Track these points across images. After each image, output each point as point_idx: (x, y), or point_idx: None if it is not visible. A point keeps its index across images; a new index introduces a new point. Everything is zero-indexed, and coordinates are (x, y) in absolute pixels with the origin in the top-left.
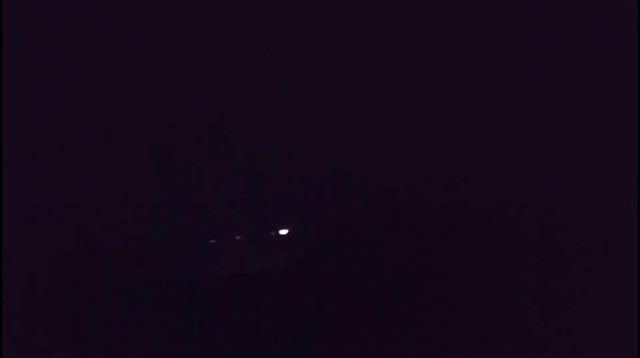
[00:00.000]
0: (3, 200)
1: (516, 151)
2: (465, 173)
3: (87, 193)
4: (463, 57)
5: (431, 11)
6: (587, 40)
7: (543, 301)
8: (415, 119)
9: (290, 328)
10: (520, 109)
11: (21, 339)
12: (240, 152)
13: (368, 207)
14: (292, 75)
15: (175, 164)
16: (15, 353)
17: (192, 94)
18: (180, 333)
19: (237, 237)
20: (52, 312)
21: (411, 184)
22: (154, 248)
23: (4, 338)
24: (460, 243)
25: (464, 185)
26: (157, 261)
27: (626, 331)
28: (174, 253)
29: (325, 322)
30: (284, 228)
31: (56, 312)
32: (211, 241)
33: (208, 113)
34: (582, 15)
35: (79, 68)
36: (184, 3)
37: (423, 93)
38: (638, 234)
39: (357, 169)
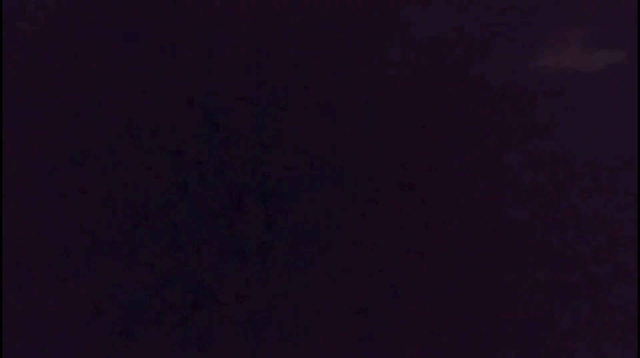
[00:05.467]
0: (3, 200)
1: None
2: (463, 170)
3: (87, 193)
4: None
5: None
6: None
7: (541, 300)
8: (415, 115)
9: (284, 327)
10: (519, 107)
11: (21, 339)
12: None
13: (360, 203)
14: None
15: (173, 162)
16: (15, 353)
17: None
18: (177, 333)
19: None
20: (52, 312)
21: (408, 182)
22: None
23: (4, 338)
24: (458, 241)
25: (461, 183)
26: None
27: (626, 331)
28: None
29: (318, 322)
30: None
31: (56, 312)
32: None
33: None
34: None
35: (79, 69)
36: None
37: (423, 91)
38: (638, 234)
39: (352, 165)
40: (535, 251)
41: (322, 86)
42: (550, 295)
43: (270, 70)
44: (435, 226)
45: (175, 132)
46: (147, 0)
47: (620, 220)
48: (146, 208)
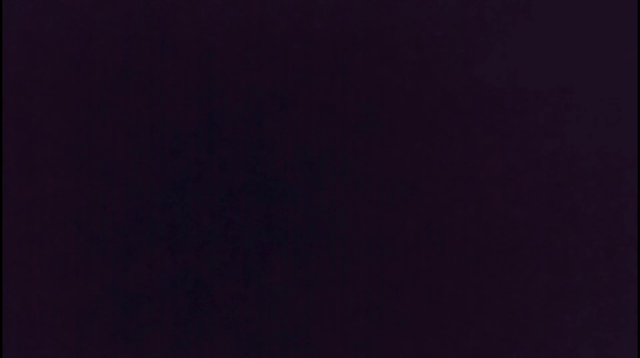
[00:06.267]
0: (3, 200)
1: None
2: (463, 170)
3: (87, 193)
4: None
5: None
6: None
7: (540, 301)
8: (415, 116)
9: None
10: (519, 107)
11: (21, 339)
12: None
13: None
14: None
15: (174, 162)
16: (16, 353)
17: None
18: (178, 333)
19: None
20: (51, 312)
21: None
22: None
23: (4, 338)
24: (457, 242)
25: (461, 183)
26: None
27: (626, 331)
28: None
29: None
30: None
31: (56, 312)
32: None
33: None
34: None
35: (79, 67)
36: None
37: (423, 91)
38: (638, 234)
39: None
40: (535, 252)
41: (322, 86)
42: (550, 296)
43: (270, 70)
44: (435, 226)
45: (175, 132)
46: (147, 0)
47: (620, 220)
48: (146, 208)
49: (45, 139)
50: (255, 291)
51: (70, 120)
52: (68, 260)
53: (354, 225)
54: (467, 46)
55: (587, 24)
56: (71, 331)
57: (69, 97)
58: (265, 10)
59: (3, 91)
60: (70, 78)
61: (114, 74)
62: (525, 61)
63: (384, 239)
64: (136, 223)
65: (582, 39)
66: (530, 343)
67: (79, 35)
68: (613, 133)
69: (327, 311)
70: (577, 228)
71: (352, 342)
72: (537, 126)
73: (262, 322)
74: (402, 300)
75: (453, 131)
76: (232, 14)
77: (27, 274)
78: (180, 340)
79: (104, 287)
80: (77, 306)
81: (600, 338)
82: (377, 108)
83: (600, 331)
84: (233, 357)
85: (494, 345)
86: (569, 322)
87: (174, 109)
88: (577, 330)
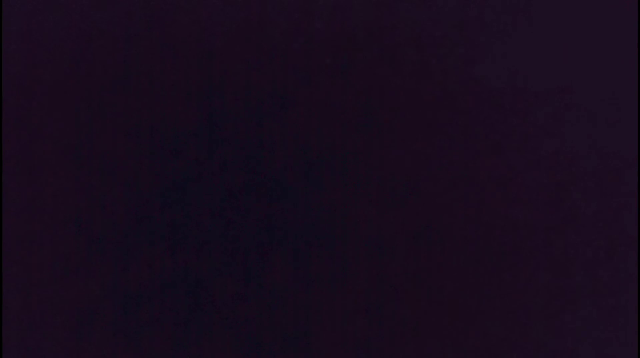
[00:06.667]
0: (3, 200)
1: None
2: (463, 170)
3: (87, 193)
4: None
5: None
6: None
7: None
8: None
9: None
10: (519, 107)
11: (21, 339)
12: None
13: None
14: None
15: (174, 163)
16: (16, 353)
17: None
18: (178, 332)
19: None
20: (51, 312)
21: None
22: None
23: (4, 338)
24: (458, 242)
25: (461, 183)
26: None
27: (626, 331)
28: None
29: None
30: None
31: (55, 312)
32: None
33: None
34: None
35: (79, 67)
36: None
37: (423, 91)
38: (638, 234)
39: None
40: (535, 252)
41: (322, 86)
42: (550, 296)
43: (270, 70)
44: (435, 226)
45: (175, 132)
46: (147, 0)
47: (620, 220)
48: (146, 208)
49: (45, 139)
50: (255, 291)
51: (70, 120)
52: (68, 260)
53: (354, 225)
54: (467, 46)
55: (587, 24)
56: (71, 331)
57: (69, 97)
58: (265, 10)
59: (3, 91)
60: (70, 78)
61: (114, 74)
62: (525, 61)
63: (384, 239)
64: (136, 223)
65: (582, 39)
66: (530, 343)
67: (79, 35)
68: (613, 133)
69: (327, 311)
70: (577, 228)
71: (352, 342)
72: (537, 126)
73: (262, 322)
74: (402, 300)
75: (453, 131)
76: (232, 14)
77: (27, 274)
78: (180, 340)
79: (104, 287)
80: (77, 306)
81: (600, 338)
82: (377, 108)
83: (600, 331)
84: (233, 357)
85: (494, 345)
86: (569, 322)
87: (174, 109)
88: (577, 330)
